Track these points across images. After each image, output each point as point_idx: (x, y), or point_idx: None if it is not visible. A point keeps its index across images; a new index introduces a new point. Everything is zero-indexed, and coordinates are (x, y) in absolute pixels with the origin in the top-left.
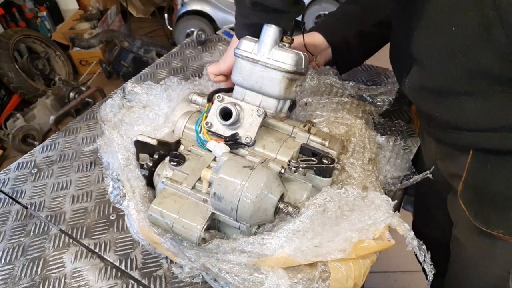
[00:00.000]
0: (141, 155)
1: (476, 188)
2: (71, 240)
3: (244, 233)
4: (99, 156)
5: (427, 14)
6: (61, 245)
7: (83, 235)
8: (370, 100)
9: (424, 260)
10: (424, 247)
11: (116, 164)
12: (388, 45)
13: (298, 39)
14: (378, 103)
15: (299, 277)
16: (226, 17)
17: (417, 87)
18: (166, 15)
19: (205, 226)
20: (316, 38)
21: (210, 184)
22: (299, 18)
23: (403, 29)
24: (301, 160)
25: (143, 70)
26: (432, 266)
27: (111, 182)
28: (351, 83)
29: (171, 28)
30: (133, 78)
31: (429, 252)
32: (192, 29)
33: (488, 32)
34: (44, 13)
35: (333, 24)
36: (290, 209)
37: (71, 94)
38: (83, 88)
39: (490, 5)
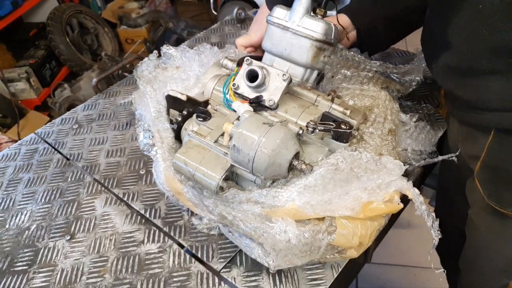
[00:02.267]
0: (171, 111)
1: (493, 168)
2: (103, 188)
3: (259, 186)
4: (134, 111)
5: None
6: (93, 191)
7: (114, 184)
8: (397, 79)
9: (432, 226)
10: (433, 213)
11: (148, 115)
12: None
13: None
14: (405, 83)
15: (307, 227)
16: None
17: (444, 66)
18: (211, 0)
19: (224, 176)
20: (342, 20)
21: (230, 138)
22: None
23: (434, 8)
24: (319, 123)
25: (182, 43)
26: (438, 231)
27: (142, 132)
28: (378, 62)
29: (215, 13)
30: None
31: (438, 220)
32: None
33: (511, 8)
34: None
35: (361, 7)
36: (304, 166)
37: (120, 64)
38: (127, 65)
39: None
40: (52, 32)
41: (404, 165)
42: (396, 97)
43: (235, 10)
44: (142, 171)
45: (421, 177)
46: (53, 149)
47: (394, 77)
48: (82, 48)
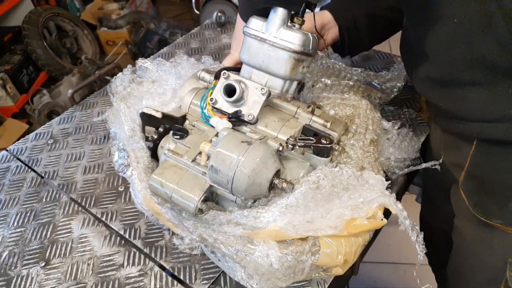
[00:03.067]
0: (147, 128)
1: (478, 178)
2: (80, 208)
3: (240, 206)
4: (108, 127)
5: (431, 5)
6: (70, 212)
7: (92, 204)
8: (379, 87)
9: (417, 240)
10: (417, 227)
11: (123, 134)
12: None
13: (309, 21)
14: (386, 90)
15: (289, 249)
16: None
17: (423, 77)
18: None
19: (202, 198)
20: (324, 16)
21: (208, 157)
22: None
23: (410, 20)
24: (299, 139)
25: (162, 49)
26: (423, 246)
27: (117, 152)
28: (359, 70)
29: (198, 12)
30: (151, 57)
31: (422, 233)
32: (219, 14)
33: (489, 22)
34: None
35: (343, 4)
36: (285, 185)
37: (96, 73)
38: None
39: None
40: (28, 36)
41: (388, 175)
42: (378, 104)
43: (215, 13)
44: (121, 187)
45: (405, 185)
46: (26, 167)
47: (375, 84)
48: (61, 52)
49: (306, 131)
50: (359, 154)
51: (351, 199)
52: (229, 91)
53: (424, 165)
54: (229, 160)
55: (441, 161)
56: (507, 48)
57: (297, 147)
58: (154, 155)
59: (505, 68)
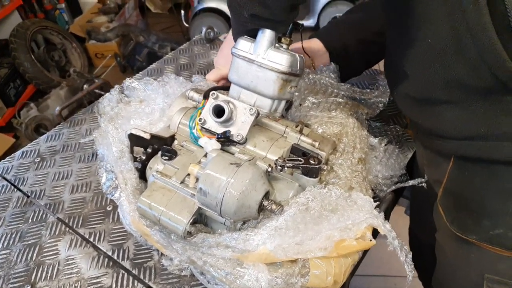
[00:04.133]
0: (136, 148)
1: (454, 194)
2: (67, 229)
3: (229, 228)
4: (95, 148)
5: (406, 25)
6: (57, 233)
7: (79, 224)
8: (364, 102)
9: (405, 260)
10: (406, 247)
11: (111, 156)
12: None
13: (298, 43)
14: (373, 105)
15: (279, 272)
16: None
17: (403, 95)
18: (182, 12)
19: (191, 220)
20: (314, 44)
21: (197, 179)
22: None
23: (390, 38)
24: (288, 160)
25: (151, 65)
26: (412, 266)
27: (105, 173)
28: (346, 86)
29: (187, 25)
30: (140, 73)
31: (411, 253)
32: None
33: (460, 44)
34: (63, 5)
35: (332, 31)
36: (274, 207)
37: (85, 86)
38: (97, 81)
39: (460, 18)
40: (16, 49)
41: (376, 193)
42: (365, 121)
43: (204, 29)
44: (109, 207)
45: (393, 201)
46: (12, 186)
47: (360, 100)
48: (49, 65)
49: (295, 150)
50: (347, 173)
51: (340, 221)
52: (218, 111)
53: (410, 183)
54: (218, 182)
55: (426, 178)
56: (478, 70)
57: (286, 168)
58: (142, 176)
59: (477, 88)
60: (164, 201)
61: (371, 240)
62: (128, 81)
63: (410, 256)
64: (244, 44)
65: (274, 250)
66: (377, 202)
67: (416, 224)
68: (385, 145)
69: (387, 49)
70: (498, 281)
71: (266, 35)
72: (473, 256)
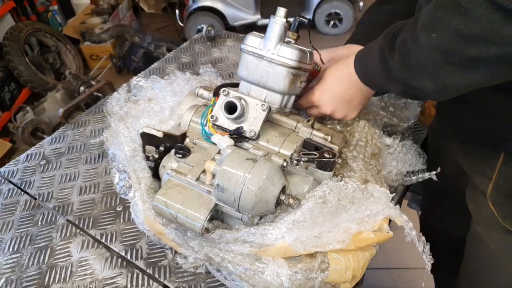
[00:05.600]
0: (147, 147)
1: (507, 191)
2: (78, 230)
3: (247, 223)
4: (106, 149)
5: None
6: (68, 235)
7: (90, 225)
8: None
9: (423, 251)
10: (423, 238)
11: (123, 155)
12: None
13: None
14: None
15: (299, 267)
16: (237, 14)
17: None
18: (177, 11)
19: (208, 217)
20: (354, 50)
21: (213, 176)
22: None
23: None
24: (303, 154)
25: (152, 65)
26: (430, 256)
27: (117, 173)
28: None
29: (182, 24)
30: (142, 72)
31: (429, 244)
32: (203, 25)
33: None
34: (56, 7)
35: (371, 30)
36: (291, 201)
37: (81, 88)
38: (93, 83)
39: None
40: (10, 52)
41: (391, 188)
42: (378, 120)
43: (205, 28)
44: (119, 207)
45: (403, 194)
46: (19, 190)
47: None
48: (43, 68)
49: (307, 145)
50: (361, 166)
51: (357, 213)
52: (230, 108)
53: (427, 175)
54: (235, 178)
55: (438, 170)
56: None
57: (301, 162)
58: (155, 174)
59: None
60: (181, 199)
61: (388, 232)
62: (135, 80)
63: (428, 246)
64: (253, 40)
65: (293, 244)
66: (393, 194)
67: (430, 213)
68: (400, 141)
69: None
70: None
71: (276, 29)
72: None
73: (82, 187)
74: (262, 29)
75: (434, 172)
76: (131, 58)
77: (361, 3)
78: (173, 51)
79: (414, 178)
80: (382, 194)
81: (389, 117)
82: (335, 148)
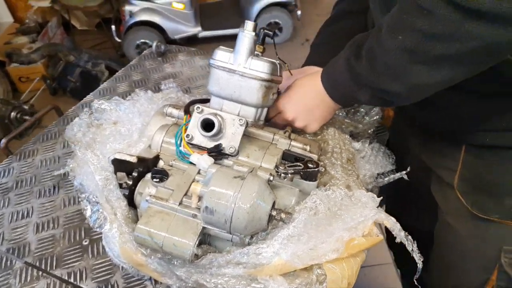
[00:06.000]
0: (119, 174)
1: (472, 180)
2: (40, 273)
3: (237, 244)
4: (69, 178)
5: None
6: (28, 279)
7: (54, 265)
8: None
9: (412, 250)
10: (410, 237)
11: (93, 185)
12: None
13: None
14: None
15: (297, 282)
16: (177, 27)
17: None
18: (113, 27)
19: (197, 242)
20: (314, 71)
21: (200, 198)
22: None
23: None
24: (288, 166)
25: (102, 85)
26: (420, 254)
27: (89, 206)
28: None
29: (119, 40)
30: (91, 93)
31: (415, 242)
32: (142, 40)
33: None
34: None
35: (325, 51)
36: (283, 215)
37: (12, 114)
38: (26, 107)
39: None
40: None
41: (368, 190)
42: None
43: (154, 43)
44: (86, 241)
45: (379, 195)
46: None
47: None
48: None
49: (287, 156)
50: (341, 172)
51: (352, 220)
52: (206, 125)
53: (394, 176)
54: (225, 198)
55: (408, 170)
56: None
57: (289, 175)
58: (131, 203)
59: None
60: (165, 226)
61: (378, 236)
62: (97, 103)
63: (416, 245)
64: (223, 54)
65: (291, 259)
66: (381, 197)
67: (394, 209)
68: (369, 145)
69: None
70: None
71: (246, 42)
72: (491, 232)
73: (38, 224)
74: (204, 41)
75: (404, 172)
76: (67, 78)
77: (299, 12)
78: (123, 69)
79: (386, 179)
80: (369, 199)
81: (354, 124)
82: (315, 157)
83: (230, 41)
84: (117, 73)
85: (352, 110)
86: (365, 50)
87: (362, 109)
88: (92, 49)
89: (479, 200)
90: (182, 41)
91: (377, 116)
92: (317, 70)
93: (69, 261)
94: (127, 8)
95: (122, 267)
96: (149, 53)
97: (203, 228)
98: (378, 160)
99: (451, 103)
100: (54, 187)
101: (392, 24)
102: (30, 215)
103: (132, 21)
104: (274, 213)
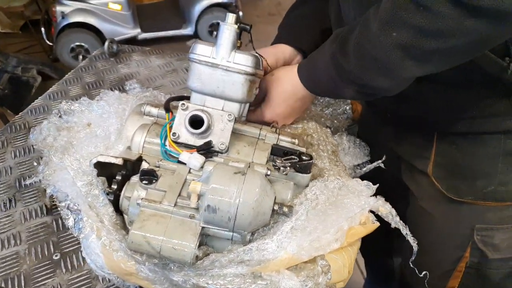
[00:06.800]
0: (100, 179)
1: (446, 165)
2: None
3: (237, 242)
4: (27, 190)
5: None
6: None
7: (22, 285)
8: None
9: (407, 234)
10: (402, 222)
11: (73, 193)
12: None
13: (273, 55)
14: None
15: (303, 275)
16: (115, 29)
17: None
18: (43, 29)
19: (198, 243)
20: (283, 49)
21: (199, 197)
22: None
23: None
24: (284, 160)
25: (51, 88)
26: (414, 237)
27: (71, 214)
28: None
29: (50, 43)
30: (40, 98)
31: (407, 227)
32: (78, 43)
33: None
34: None
35: (295, 30)
36: (285, 209)
37: None
38: None
39: None
40: None
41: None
42: (322, 122)
43: (106, 43)
44: (56, 255)
45: None
46: None
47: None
48: None
49: (276, 151)
50: (329, 164)
51: (352, 208)
52: (193, 122)
53: (371, 166)
54: (228, 195)
55: (383, 159)
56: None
57: (287, 168)
58: (117, 208)
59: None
60: (161, 230)
61: (374, 222)
62: (66, 104)
63: (407, 229)
64: (203, 48)
65: (297, 252)
66: (377, 185)
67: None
68: (346, 137)
69: None
70: (486, 228)
71: (228, 35)
72: (464, 213)
73: None
74: (144, 44)
75: (380, 161)
76: None
77: (240, 13)
78: (72, 71)
79: (363, 169)
80: (364, 187)
81: (331, 119)
82: (303, 150)
83: (171, 42)
84: (66, 75)
85: (326, 106)
86: (352, 46)
87: (332, 103)
88: (21, 54)
89: (453, 184)
90: (121, 43)
91: (349, 110)
92: (283, 49)
93: (39, 279)
94: (59, 8)
95: (103, 279)
96: (100, 53)
97: (202, 228)
98: (356, 151)
99: (424, 94)
100: (10, 201)
101: (385, 20)
102: None
103: (65, 22)
104: (276, 207)
